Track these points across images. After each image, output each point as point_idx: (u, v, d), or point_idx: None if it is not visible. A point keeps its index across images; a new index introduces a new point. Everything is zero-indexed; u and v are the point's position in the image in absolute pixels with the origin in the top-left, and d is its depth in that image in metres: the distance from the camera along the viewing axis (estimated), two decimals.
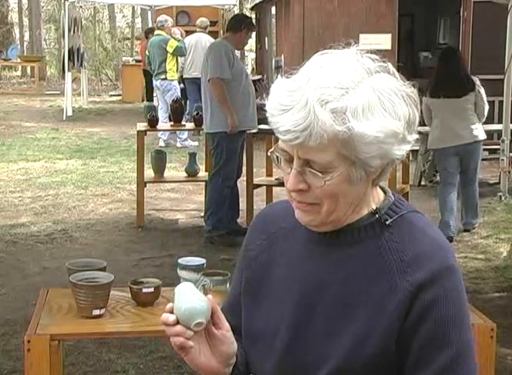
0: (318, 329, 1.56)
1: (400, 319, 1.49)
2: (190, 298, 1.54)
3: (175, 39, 12.47)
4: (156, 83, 12.55)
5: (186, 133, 12.37)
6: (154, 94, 14.05)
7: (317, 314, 1.56)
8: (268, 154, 1.59)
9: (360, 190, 1.53)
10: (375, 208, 1.57)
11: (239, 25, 7.00)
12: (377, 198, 1.60)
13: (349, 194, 1.52)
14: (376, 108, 1.46)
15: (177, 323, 1.53)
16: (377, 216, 1.57)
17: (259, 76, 15.88)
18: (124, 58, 23.34)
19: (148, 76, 13.99)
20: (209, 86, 6.84)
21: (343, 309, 1.53)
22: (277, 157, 1.54)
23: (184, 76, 13.06)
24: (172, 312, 1.55)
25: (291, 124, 1.44)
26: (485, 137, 7.32)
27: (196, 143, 12.42)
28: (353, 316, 1.52)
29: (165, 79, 12.44)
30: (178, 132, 12.15)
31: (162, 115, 11.77)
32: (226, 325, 1.58)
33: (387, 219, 1.56)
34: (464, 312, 1.52)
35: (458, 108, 7.11)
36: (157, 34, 12.66)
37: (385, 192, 1.63)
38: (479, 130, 7.18)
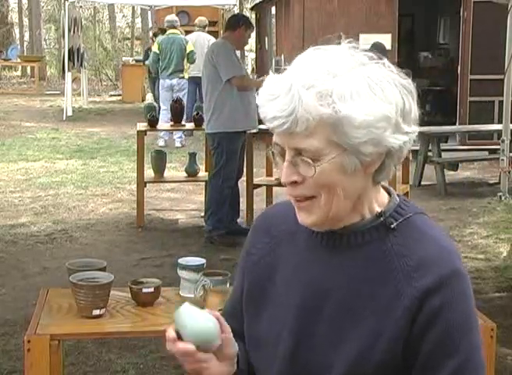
0: (322, 334, 1.53)
1: (408, 325, 1.46)
2: (202, 322, 1.49)
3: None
4: (172, 81, 12.38)
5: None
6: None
7: (321, 319, 1.53)
8: (266, 152, 1.58)
9: (357, 183, 1.49)
10: (379, 210, 1.54)
11: (236, 23, 7.03)
12: (381, 199, 1.57)
13: (346, 186, 1.48)
14: (365, 92, 1.43)
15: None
16: (381, 218, 1.53)
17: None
18: (124, 58, 23.35)
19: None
20: (210, 87, 6.86)
21: (348, 314, 1.51)
22: (272, 153, 1.52)
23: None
24: (178, 338, 1.48)
25: (277, 110, 1.43)
26: None
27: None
28: (359, 321, 1.49)
29: (183, 77, 12.48)
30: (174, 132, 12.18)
31: (166, 115, 11.70)
32: (228, 328, 1.54)
33: (392, 223, 1.53)
34: (473, 316, 1.50)
35: None
36: (172, 33, 12.54)
37: (389, 194, 1.59)
38: None
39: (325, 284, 1.54)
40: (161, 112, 11.90)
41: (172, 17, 13.09)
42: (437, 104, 14.53)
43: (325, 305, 1.53)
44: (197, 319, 1.49)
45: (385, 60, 1.50)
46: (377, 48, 9.18)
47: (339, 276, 1.53)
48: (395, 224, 1.53)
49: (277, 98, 1.44)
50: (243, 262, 1.71)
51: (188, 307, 1.51)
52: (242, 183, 7.36)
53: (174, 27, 12.67)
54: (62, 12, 16.42)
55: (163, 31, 13.86)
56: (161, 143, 12.37)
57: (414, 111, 1.49)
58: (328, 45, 1.50)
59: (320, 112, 1.41)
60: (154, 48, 12.64)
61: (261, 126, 7.08)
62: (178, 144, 12.49)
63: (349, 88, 1.42)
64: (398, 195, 1.60)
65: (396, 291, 1.48)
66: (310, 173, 1.46)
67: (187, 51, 12.38)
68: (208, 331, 1.48)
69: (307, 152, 1.45)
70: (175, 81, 12.39)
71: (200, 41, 12.77)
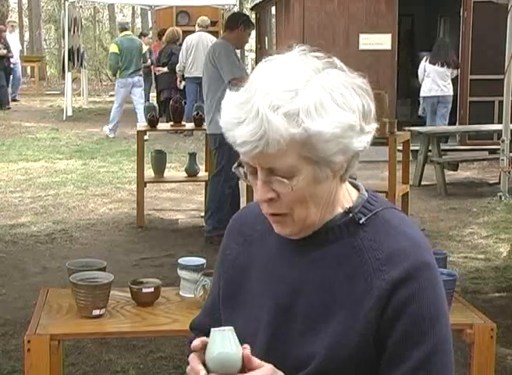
0: (296, 329, 1.55)
1: (377, 317, 1.49)
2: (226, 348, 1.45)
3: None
4: (134, 79, 13.18)
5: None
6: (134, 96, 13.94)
7: (295, 314, 1.56)
8: (233, 170, 1.57)
9: (328, 188, 1.53)
10: (348, 207, 1.57)
11: (235, 22, 7.02)
12: (349, 195, 1.60)
13: (318, 194, 1.51)
14: (329, 104, 1.45)
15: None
16: (350, 215, 1.56)
17: None
18: None
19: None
20: (211, 87, 6.84)
21: (321, 309, 1.53)
22: (244, 172, 1.54)
23: (185, 76, 13.13)
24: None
25: (247, 135, 1.44)
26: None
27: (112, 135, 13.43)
28: (331, 315, 1.52)
29: (141, 75, 13.49)
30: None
31: (120, 111, 13.25)
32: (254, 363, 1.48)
33: (361, 218, 1.56)
34: (441, 310, 1.52)
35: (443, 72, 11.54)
36: (127, 34, 13.51)
37: (358, 189, 1.62)
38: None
39: (298, 282, 1.57)
40: (114, 109, 13.32)
41: (124, 19, 14.43)
42: None
43: (298, 301, 1.56)
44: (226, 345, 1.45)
45: (334, 58, 1.52)
46: (441, 43, 11.91)
47: (311, 274, 1.56)
48: (364, 219, 1.56)
49: (244, 122, 1.45)
50: (219, 263, 1.74)
51: (224, 332, 1.46)
52: (242, 184, 7.36)
53: (126, 29, 13.75)
54: (62, 12, 16.42)
55: (163, 32, 14.20)
56: (109, 133, 13.31)
57: (373, 109, 1.51)
58: (280, 55, 1.52)
59: (291, 133, 1.43)
60: (114, 49, 13.29)
61: None
62: (109, 134, 13.36)
63: (313, 103, 1.44)
64: (367, 190, 1.62)
65: (366, 285, 1.50)
66: (286, 190, 1.49)
67: (143, 52, 13.45)
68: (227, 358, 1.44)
69: (280, 171, 1.47)
70: (136, 79, 13.25)
71: (202, 41, 12.74)
